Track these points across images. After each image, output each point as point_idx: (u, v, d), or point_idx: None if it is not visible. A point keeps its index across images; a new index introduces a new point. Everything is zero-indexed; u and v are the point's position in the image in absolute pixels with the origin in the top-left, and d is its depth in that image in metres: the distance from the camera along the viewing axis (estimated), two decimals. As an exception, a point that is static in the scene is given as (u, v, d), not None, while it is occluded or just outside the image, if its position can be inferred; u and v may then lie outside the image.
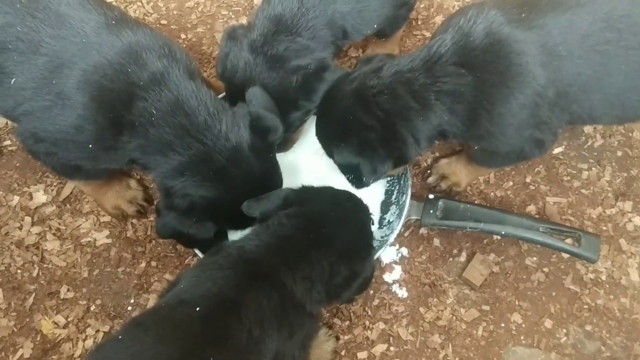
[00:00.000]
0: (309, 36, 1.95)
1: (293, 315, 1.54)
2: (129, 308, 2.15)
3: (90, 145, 1.76)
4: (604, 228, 2.29)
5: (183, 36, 2.69)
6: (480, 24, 1.82)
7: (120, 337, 1.39)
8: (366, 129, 1.86)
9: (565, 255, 2.22)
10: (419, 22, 2.71)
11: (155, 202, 2.25)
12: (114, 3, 2.74)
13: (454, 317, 2.14)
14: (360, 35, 2.13)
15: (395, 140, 1.87)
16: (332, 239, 1.66)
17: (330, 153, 2.01)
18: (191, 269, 1.63)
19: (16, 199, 2.31)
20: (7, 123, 2.43)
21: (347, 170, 2.00)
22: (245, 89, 1.90)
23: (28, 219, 2.27)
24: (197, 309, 1.39)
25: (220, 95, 2.12)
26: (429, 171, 2.38)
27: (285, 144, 2.15)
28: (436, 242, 2.27)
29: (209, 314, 1.39)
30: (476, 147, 2.09)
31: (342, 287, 1.67)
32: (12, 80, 1.72)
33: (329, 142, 1.99)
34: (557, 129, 1.95)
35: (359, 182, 2.00)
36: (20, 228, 2.26)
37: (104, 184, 2.18)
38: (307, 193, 1.78)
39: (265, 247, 1.60)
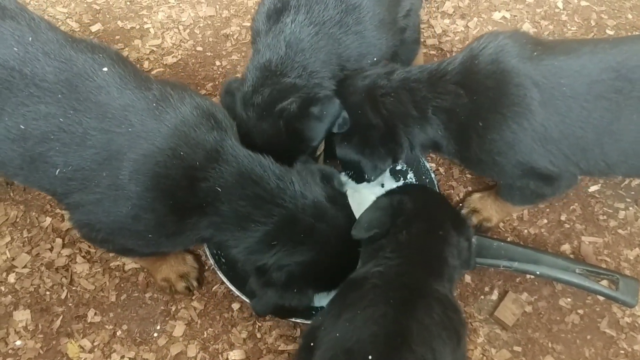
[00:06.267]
0: (295, 75, 1.91)
1: (456, 319, 1.54)
2: (155, 334, 2.14)
3: (150, 236, 1.73)
4: (642, 270, 2.22)
5: (218, 63, 2.71)
6: (489, 49, 1.85)
7: None
8: (370, 127, 1.94)
9: (601, 297, 2.16)
10: (454, 55, 2.69)
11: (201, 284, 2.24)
12: (151, 29, 2.79)
13: (485, 358, 2.09)
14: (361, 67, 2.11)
15: (393, 142, 1.95)
16: (446, 224, 1.74)
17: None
18: (334, 312, 1.57)
19: (48, 220, 2.33)
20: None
21: (348, 166, 2.05)
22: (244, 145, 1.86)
23: (59, 241, 2.29)
24: (370, 357, 1.36)
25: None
26: (460, 205, 2.34)
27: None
28: (467, 278, 2.22)
29: (384, 359, 1.38)
30: (500, 182, 2.08)
31: (469, 257, 1.76)
32: (57, 171, 1.68)
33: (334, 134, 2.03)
34: (570, 169, 1.91)
35: (359, 178, 2.07)
36: (51, 250, 2.28)
37: (160, 257, 2.13)
38: (405, 194, 1.82)
39: (409, 262, 1.62)
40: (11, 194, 2.38)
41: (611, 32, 2.76)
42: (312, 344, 1.53)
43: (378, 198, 1.85)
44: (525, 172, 1.90)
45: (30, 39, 1.70)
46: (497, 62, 1.82)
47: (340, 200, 1.81)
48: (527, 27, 2.79)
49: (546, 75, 1.79)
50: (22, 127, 1.66)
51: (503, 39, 1.86)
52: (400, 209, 1.76)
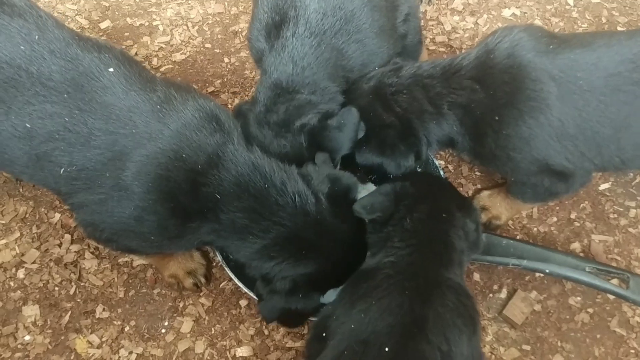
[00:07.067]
0: (309, 91, 1.90)
1: (470, 305, 1.54)
2: (163, 331, 2.14)
3: (152, 237, 1.73)
4: (653, 269, 2.20)
5: (226, 60, 2.71)
6: (505, 44, 1.84)
7: None
8: (385, 127, 1.92)
9: (611, 296, 2.14)
10: (463, 52, 2.68)
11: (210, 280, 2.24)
12: (160, 26, 2.79)
13: (493, 356, 2.07)
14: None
15: (413, 136, 1.93)
16: (450, 206, 1.73)
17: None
18: (346, 302, 1.58)
19: (57, 216, 2.34)
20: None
21: (370, 170, 2.04)
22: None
23: (68, 237, 2.29)
24: (387, 348, 1.37)
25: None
26: (469, 203, 2.33)
27: None
28: (476, 276, 2.21)
29: (400, 350, 1.37)
30: (512, 179, 2.06)
31: (477, 238, 1.76)
32: (62, 170, 1.69)
33: None
34: (585, 166, 1.90)
35: (384, 179, 2.02)
36: (60, 245, 2.28)
37: (167, 254, 2.11)
38: (407, 180, 1.81)
39: (419, 250, 1.62)
40: (20, 190, 2.39)
41: (622, 29, 2.74)
42: (324, 334, 1.53)
43: (381, 185, 1.84)
44: (541, 169, 1.89)
45: (36, 37, 1.70)
46: (514, 57, 1.81)
47: (346, 211, 1.78)
48: (537, 24, 2.77)
49: (563, 69, 1.77)
50: (28, 125, 1.67)
51: (518, 32, 1.85)
52: (402, 193, 1.75)
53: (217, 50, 2.75)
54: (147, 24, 2.83)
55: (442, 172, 2.29)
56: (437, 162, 2.31)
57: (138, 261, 2.25)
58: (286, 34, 1.90)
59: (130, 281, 2.23)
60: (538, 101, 1.78)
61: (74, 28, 2.78)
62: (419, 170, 2.38)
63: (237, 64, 2.71)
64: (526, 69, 1.79)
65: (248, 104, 2.01)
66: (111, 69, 1.71)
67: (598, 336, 2.10)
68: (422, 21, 2.43)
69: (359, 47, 1.97)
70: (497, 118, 1.83)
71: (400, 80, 1.95)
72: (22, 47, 1.68)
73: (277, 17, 1.95)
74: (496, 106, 1.83)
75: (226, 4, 2.88)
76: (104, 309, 2.17)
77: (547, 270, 2.02)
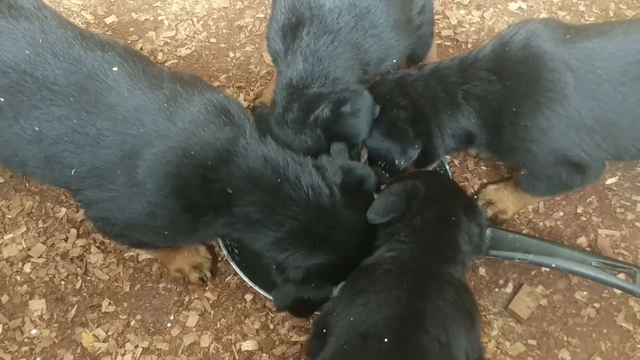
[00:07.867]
0: (318, 84, 1.91)
1: (468, 300, 1.55)
2: (169, 325, 2.15)
3: (165, 232, 1.74)
4: (660, 264, 2.19)
5: (231, 54, 2.71)
6: (520, 35, 1.84)
7: None
8: (398, 108, 1.94)
9: (618, 291, 2.13)
10: (469, 45, 2.68)
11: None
12: (165, 21, 2.79)
13: (499, 351, 2.07)
14: (383, 70, 2.11)
15: (423, 124, 1.93)
16: (458, 209, 1.74)
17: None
18: (346, 298, 1.59)
19: (63, 210, 2.34)
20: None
21: (379, 156, 2.03)
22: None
23: (74, 231, 2.30)
24: (386, 340, 1.37)
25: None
26: (475, 196, 2.32)
27: None
28: (482, 271, 2.20)
29: (399, 341, 1.38)
30: (521, 172, 2.05)
31: (480, 243, 1.77)
32: (72, 171, 1.70)
33: None
34: (600, 157, 1.89)
35: (391, 167, 2.03)
36: (65, 240, 2.29)
37: (173, 249, 2.12)
38: (418, 180, 1.83)
39: (422, 247, 1.63)
40: (27, 185, 2.40)
41: (630, 23, 2.71)
42: (324, 331, 1.53)
43: (391, 184, 1.85)
44: (558, 160, 1.88)
45: (40, 40, 1.71)
46: (529, 47, 1.81)
47: (359, 203, 1.79)
48: (543, 17, 2.75)
49: (581, 59, 1.75)
50: (37, 128, 1.68)
51: (534, 24, 1.85)
52: (414, 193, 1.76)
53: (222, 45, 2.74)
54: (152, 18, 2.83)
55: (447, 166, 2.29)
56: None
57: (144, 255, 2.26)
58: (301, 34, 1.91)
59: (136, 275, 2.24)
60: (555, 92, 1.76)
61: (80, 23, 2.78)
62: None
63: (242, 58, 2.71)
64: (543, 60, 1.78)
65: (267, 108, 2.03)
66: (115, 68, 1.71)
67: (604, 331, 2.09)
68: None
69: (375, 41, 1.97)
70: (514, 109, 1.82)
71: (421, 72, 1.99)
72: (26, 52, 1.69)
73: (294, 18, 1.95)
74: (513, 97, 1.82)
75: (231, -2, 2.88)
76: (109, 303, 2.18)
77: (554, 265, 2.01)
